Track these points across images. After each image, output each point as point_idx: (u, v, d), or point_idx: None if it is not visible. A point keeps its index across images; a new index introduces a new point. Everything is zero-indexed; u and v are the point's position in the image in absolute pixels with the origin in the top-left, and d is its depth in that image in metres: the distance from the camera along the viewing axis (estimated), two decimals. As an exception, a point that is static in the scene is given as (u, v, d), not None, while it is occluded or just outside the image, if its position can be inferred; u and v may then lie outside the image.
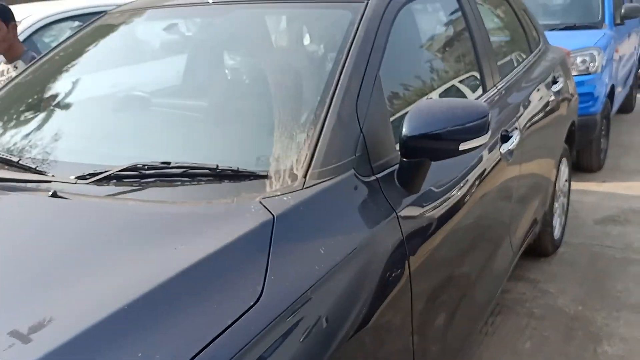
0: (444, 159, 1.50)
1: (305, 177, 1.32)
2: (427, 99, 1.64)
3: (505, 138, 2.16)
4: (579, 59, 4.56)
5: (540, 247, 3.32)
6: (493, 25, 2.80)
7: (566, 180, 3.56)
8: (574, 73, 4.54)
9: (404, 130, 1.44)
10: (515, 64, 2.74)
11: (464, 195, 1.77)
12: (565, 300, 2.97)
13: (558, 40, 4.87)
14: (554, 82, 3.00)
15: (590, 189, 4.55)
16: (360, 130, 1.46)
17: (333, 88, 1.50)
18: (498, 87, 2.36)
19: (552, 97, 2.90)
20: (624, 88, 5.97)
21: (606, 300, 2.95)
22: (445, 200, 1.65)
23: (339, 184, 1.33)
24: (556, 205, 3.34)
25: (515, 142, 2.20)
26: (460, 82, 2.15)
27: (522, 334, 2.70)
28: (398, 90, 1.74)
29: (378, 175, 1.46)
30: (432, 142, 1.43)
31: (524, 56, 2.92)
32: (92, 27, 2.19)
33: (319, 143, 1.38)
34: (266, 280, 1.03)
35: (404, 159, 1.48)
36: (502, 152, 2.10)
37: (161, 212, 1.22)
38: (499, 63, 2.54)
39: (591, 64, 4.57)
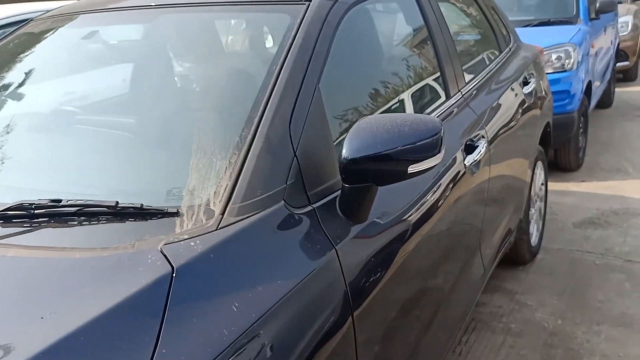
0: (392, 184, 1.31)
1: (223, 213, 1.12)
2: (375, 114, 1.44)
3: (470, 149, 1.98)
4: (554, 56, 4.41)
5: (517, 256, 3.15)
6: (458, 24, 2.62)
7: (542, 184, 3.40)
8: (549, 70, 4.39)
9: (343, 152, 1.24)
10: (483, 66, 2.56)
11: (422, 220, 1.58)
12: (544, 314, 2.80)
13: (532, 36, 4.73)
14: (526, 82, 2.83)
15: (569, 190, 4.40)
16: (293, 154, 1.26)
17: (263, 105, 1.30)
18: (463, 93, 2.17)
19: (524, 99, 2.73)
20: (602, 83, 5.85)
21: (587, 312, 2.79)
22: (398, 228, 1.45)
23: (263, 220, 1.13)
24: (532, 211, 3.18)
25: (482, 152, 2.02)
26: (418, 91, 1.96)
27: (498, 354, 2.53)
28: (344, 104, 1.55)
29: (316, 205, 1.26)
30: (376, 165, 1.24)
31: (493, 57, 2.74)
32: (12, 36, 1.97)
33: (242, 171, 1.18)
34: (155, 356, 0.83)
35: (346, 185, 1.28)
36: (467, 164, 1.92)
37: (43, 264, 1.01)
38: (465, 66, 2.36)
39: (566, 61, 4.42)
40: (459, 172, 1.87)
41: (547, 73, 4.40)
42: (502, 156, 2.36)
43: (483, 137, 2.11)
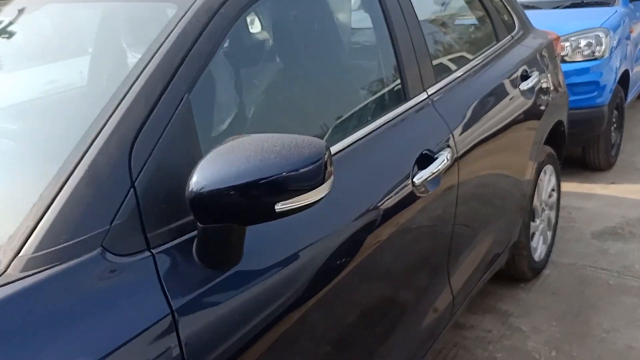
0: (259, 224, 1.03)
1: (8, 266, 0.88)
2: (252, 135, 1.15)
3: (426, 162, 1.66)
4: (582, 42, 3.94)
5: (515, 273, 2.80)
6: (438, 12, 2.27)
7: (553, 190, 3.01)
8: (577, 58, 3.94)
9: (189, 183, 0.98)
10: (467, 60, 2.21)
11: (336, 258, 1.29)
12: (537, 342, 2.46)
13: (560, 20, 4.27)
14: (525, 77, 2.45)
15: (594, 193, 3.96)
16: (130, 184, 1.00)
17: (103, 121, 1.05)
18: (430, 94, 1.85)
19: (521, 96, 2.36)
20: (645, 71, 5.28)
21: (587, 343, 2.43)
22: (292, 274, 1.17)
23: (60, 277, 0.88)
24: (537, 222, 2.81)
25: (444, 164, 1.70)
26: (351, 97, 1.66)
27: (474, 391, 2.22)
28: (229, 120, 1.27)
29: (158, 249, 1.01)
30: (231, 201, 0.97)
31: (486, 48, 2.38)
32: None
33: (48, 211, 0.93)
34: None
35: (200, 224, 1.02)
36: (417, 182, 1.60)
37: None
38: (440, 60, 2.03)
39: (597, 48, 3.94)
40: (404, 192, 1.56)
41: (575, 62, 3.96)
42: (481, 167, 2.03)
43: (448, 146, 1.78)
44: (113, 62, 1.32)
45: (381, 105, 1.71)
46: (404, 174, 1.58)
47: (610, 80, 4.02)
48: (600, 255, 3.11)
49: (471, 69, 2.16)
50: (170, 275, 0.99)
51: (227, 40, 1.26)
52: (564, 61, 3.91)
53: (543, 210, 2.89)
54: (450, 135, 1.82)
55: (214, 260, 1.04)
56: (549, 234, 3.03)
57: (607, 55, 3.96)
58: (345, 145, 1.45)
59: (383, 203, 1.48)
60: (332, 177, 1.02)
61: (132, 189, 1.00)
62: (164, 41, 1.17)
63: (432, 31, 2.11)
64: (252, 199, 0.97)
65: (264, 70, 1.46)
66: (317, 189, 0.99)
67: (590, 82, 3.85)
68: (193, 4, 1.25)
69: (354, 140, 1.49)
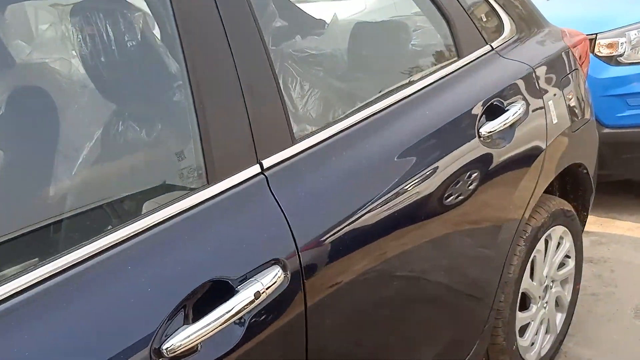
0: None
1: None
2: None
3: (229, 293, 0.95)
4: (633, 36, 2.91)
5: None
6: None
7: (568, 257, 2.13)
8: (628, 60, 2.93)
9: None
10: (363, 101, 1.41)
11: None
12: None
13: (611, 5, 3.24)
14: (499, 110, 1.61)
15: (654, 239, 2.96)
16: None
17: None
18: (264, 167, 1.12)
19: (479, 146, 1.54)
20: None
21: None
22: None
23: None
24: (532, 309, 1.96)
25: (263, 296, 0.98)
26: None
27: None
28: None
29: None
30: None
31: (416, 75, 1.55)
32: None
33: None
34: None
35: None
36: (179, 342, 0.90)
37: None
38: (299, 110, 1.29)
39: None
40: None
41: (624, 64, 2.94)
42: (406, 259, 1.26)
43: (276, 262, 1.05)
44: None
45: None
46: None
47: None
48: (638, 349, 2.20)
49: (367, 117, 1.34)
50: None
51: None
52: (618, 63, 2.92)
53: (547, 289, 2.04)
54: (293, 243, 1.08)
55: None
56: (560, 316, 2.16)
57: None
58: None
59: None
60: None
61: None
62: None
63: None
64: None
65: None
66: None
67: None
68: None
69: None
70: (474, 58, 1.69)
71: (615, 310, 2.44)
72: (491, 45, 1.77)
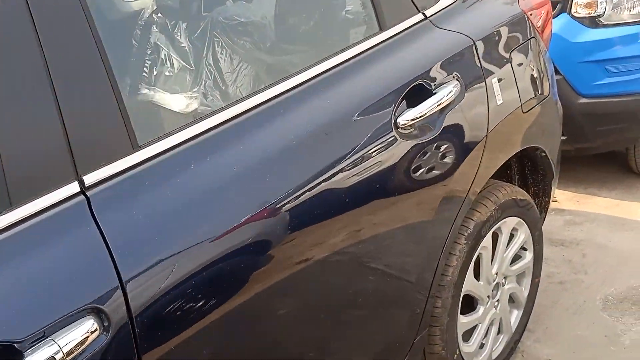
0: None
1: None
2: None
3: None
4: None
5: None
6: None
7: (525, 249, 1.91)
8: (623, 18, 2.64)
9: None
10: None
11: None
12: None
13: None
14: (425, 94, 1.36)
15: (635, 219, 2.73)
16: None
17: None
18: (86, 186, 0.89)
19: (398, 141, 1.29)
20: None
21: None
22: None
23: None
24: (480, 311, 1.76)
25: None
26: None
27: None
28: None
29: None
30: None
31: (329, 51, 1.30)
32: None
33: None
34: None
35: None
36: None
37: None
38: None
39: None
40: None
41: (618, 24, 2.64)
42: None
43: (91, 312, 0.83)
44: None
45: None
46: None
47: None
48: (604, 348, 2.00)
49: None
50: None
51: None
52: (596, 25, 2.63)
53: (498, 286, 1.82)
54: (118, 284, 0.86)
55: None
56: (516, 314, 1.95)
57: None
58: None
59: None
60: None
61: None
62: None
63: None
64: None
65: None
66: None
67: (628, 58, 2.57)
68: None
69: None
70: (400, 30, 1.43)
71: (582, 301, 2.23)
72: (424, 14, 1.50)
